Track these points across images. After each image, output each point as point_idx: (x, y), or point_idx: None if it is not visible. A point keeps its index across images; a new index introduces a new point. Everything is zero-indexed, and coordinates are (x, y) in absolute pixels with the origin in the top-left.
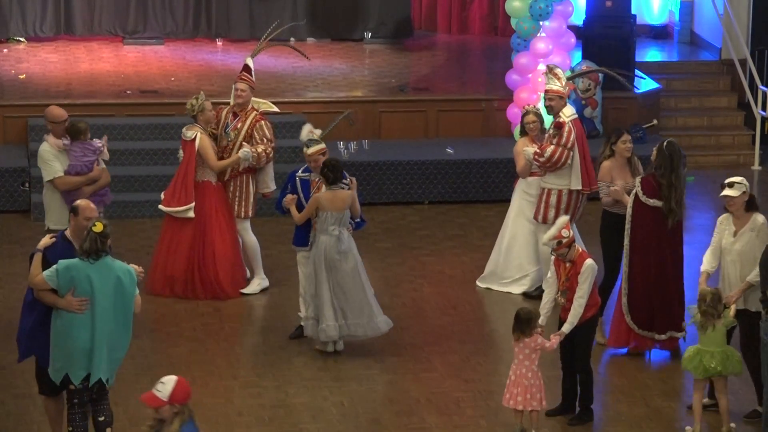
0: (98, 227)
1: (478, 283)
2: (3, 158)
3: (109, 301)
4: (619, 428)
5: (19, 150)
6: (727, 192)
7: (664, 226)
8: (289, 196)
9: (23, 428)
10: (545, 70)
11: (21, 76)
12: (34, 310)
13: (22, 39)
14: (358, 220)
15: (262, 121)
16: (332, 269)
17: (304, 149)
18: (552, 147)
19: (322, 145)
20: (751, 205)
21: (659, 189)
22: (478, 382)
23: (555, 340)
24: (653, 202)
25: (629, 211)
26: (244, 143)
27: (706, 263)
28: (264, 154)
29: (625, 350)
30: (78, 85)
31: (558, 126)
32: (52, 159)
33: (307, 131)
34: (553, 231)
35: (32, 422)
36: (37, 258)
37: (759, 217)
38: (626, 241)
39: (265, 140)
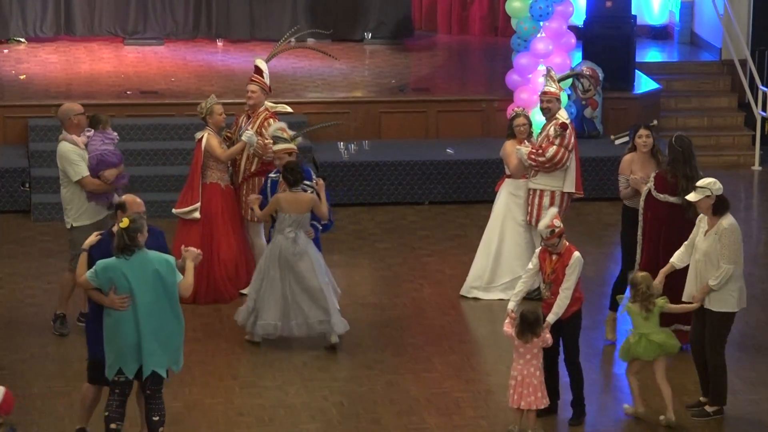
0: (124, 223)
1: (463, 293)
2: (3, 158)
3: (150, 295)
4: (619, 428)
5: (19, 150)
6: (688, 197)
7: (676, 221)
8: (253, 196)
9: (23, 428)
10: (544, 72)
11: (21, 77)
12: (90, 306)
13: (22, 39)
14: (325, 222)
15: (270, 119)
16: (288, 269)
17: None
18: (554, 147)
19: (290, 145)
20: (717, 209)
21: (675, 184)
22: (478, 382)
23: (546, 334)
24: (664, 197)
25: (641, 204)
26: (248, 128)
27: (676, 257)
28: (271, 146)
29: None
30: (78, 86)
31: (563, 127)
32: (78, 159)
33: (276, 128)
34: (546, 220)
35: (32, 423)
36: (82, 258)
37: (724, 221)
38: (639, 233)
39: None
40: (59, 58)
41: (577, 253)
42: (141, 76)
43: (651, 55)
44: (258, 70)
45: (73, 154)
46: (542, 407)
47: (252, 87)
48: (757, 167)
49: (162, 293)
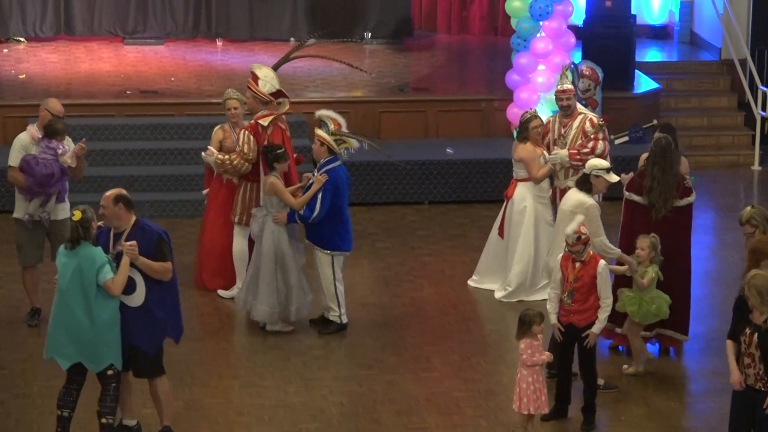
0: (76, 215)
1: (507, 299)
2: (3, 158)
3: (65, 286)
4: (620, 428)
5: None
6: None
7: (646, 222)
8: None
9: (23, 428)
10: (561, 71)
11: (21, 76)
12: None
13: (22, 39)
14: (301, 213)
15: (243, 131)
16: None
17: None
18: (601, 142)
19: (325, 136)
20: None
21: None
22: (478, 382)
23: (546, 356)
24: (628, 195)
25: (623, 205)
26: (210, 148)
27: None
28: (228, 162)
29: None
30: (78, 85)
31: (606, 119)
32: (19, 149)
33: (328, 115)
34: (574, 225)
35: (32, 422)
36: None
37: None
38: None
39: (237, 149)
40: (59, 58)
41: (602, 262)
42: (141, 75)
43: (651, 54)
44: (254, 77)
45: (19, 143)
46: (536, 413)
47: (247, 93)
48: (757, 167)
49: (78, 288)
